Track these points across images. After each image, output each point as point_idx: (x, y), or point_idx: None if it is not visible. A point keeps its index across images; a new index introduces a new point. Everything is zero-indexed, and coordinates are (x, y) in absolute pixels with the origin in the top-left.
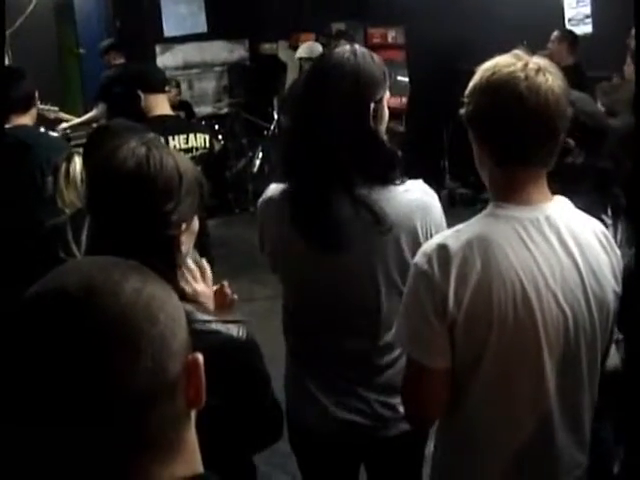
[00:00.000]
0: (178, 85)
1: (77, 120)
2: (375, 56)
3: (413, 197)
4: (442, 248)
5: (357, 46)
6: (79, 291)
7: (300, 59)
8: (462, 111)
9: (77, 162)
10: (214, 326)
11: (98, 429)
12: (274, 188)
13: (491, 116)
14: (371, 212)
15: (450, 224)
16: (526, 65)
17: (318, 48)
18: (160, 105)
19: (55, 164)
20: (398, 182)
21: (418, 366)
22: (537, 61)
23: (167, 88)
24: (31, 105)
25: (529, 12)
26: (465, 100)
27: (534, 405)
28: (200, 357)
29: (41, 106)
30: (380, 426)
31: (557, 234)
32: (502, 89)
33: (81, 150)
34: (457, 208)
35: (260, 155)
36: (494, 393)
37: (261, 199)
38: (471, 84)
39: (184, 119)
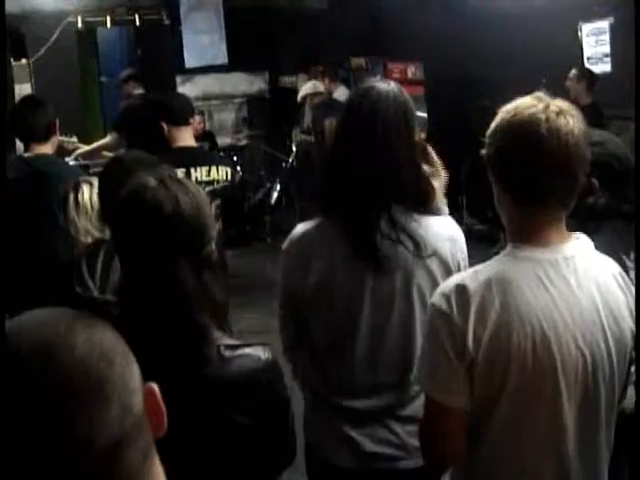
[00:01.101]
0: (202, 114)
1: (88, 147)
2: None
3: (447, 228)
4: (461, 288)
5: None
6: (34, 355)
7: (306, 96)
8: (483, 151)
9: (85, 190)
10: (242, 350)
11: None
12: (305, 227)
13: (511, 157)
14: (411, 238)
15: (469, 260)
16: (547, 107)
17: (319, 84)
18: (183, 137)
19: (63, 195)
20: (433, 213)
21: (436, 405)
22: (558, 104)
23: (191, 119)
24: (52, 134)
25: (548, 50)
26: (486, 141)
27: (551, 448)
28: (154, 385)
29: (60, 137)
30: (405, 456)
31: (576, 275)
32: (523, 131)
33: (91, 179)
34: (474, 244)
35: (278, 187)
36: (510, 434)
37: (293, 238)
38: (492, 125)
39: (207, 151)
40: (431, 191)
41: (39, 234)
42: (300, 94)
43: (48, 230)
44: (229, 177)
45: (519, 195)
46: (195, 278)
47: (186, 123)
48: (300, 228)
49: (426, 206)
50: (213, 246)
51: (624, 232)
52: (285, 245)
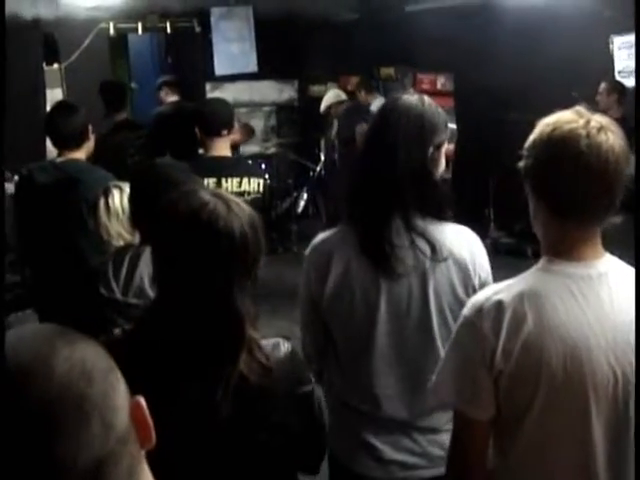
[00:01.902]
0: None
1: None
2: (439, 107)
3: (464, 235)
4: (494, 300)
5: (425, 96)
6: (15, 376)
7: (330, 105)
8: (520, 164)
9: (116, 195)
10: (266, 341)
11: None
12: (325, 234)
13: (549, 172)
14: (427, 241)
15: (495, 273)
16: (588, 123)
17: (341, 93)
18: (216, 146)
19: (93, 201)
20: (449, 221)
21: (462, 416)
22: (599, 119)
23: (224, 131)
24: (84, 140)
25: (579, 63)
26: (524, 153)
27: (579, 465)
28: (140, 398)
29: None
30: (426, 465)
31: (609, 292)
32: (562, 145)
33: (121, 184)
34: (501, 257)
35: (305, 196)
36: (537, 449)
37: (313, 246)
38: (531, 138)
39: (241, 161)
40: (447, 201)
41: (68, 239)
42: (323, 104)
43: (77, 235)
44: (260, 189)
45: (555, 209)
46: (243, 295)
47: (218, 134)
48: (320, 236)
49: (442, 214)
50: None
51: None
52: (307, 253)
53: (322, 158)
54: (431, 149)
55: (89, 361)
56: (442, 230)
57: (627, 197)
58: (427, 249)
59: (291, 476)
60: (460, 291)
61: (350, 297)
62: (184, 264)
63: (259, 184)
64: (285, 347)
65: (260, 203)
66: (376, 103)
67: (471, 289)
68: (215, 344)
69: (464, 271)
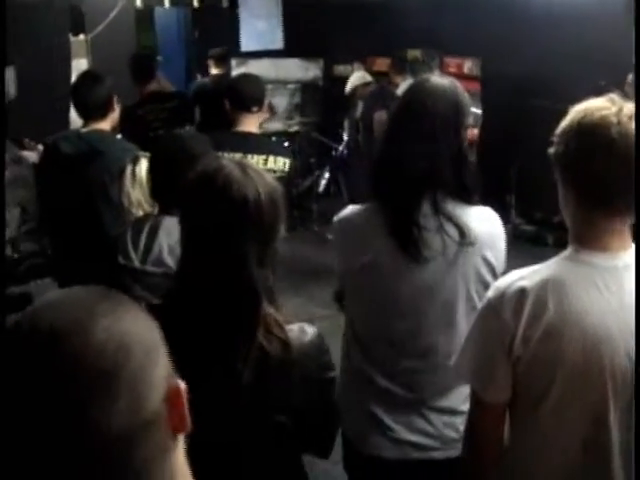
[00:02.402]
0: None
1: None
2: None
3: (488, 217)
4: (517, 287)
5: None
6: (47, 337)
7: (356, 87)
8: (550, 150)
9: (143, 164)
10: (292, 325)
11: (77, 474)
12: (353, 208)
13: (579, 159)
14: (456, 225)
15: (513, 260)
16: (620, 110)
17: (367, 75)
18: (245, 122)
19: (122, 167)
20: (477, 203)
21: (477, 398)
22: (632, 107)
23: (254, 108)
24: (109, 110)
25: (608, 51)
26: (555, 140)
27: (594, 454)
28: (182, 384)
29: None
30: (440, 447)
31: (633, 283)
32: (593, 133)
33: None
34: (521, 244)
35: (327, 175)
36: (552, 437)
37: (342, 217)
38: (562, 124)
39: (268, 139)
40: (477, 182)
41: (89, 209)
42: (349, 85)
43: (98, 205)
44: (286, 168)
45: (583, 198)
46: (260, 269)
47: (247, 110)
48: (350, 209)
49: (470, 197)
50: (278, 240)
51: None
52: (338, 223)
53: (345, 138)
54: (466, 131)
55: (130, 334)
56: (469, 213)
57: None
58: (455, 233)
59: (298, 459)
60: (484, 271)
61: (375, 277)
62: (198, 229)
63: (284, 163)
64: (311, 331)
65: (285, 182)
66: (403, 86)
67: (492, 269)
68: (230, 314)
69: (488, 254)
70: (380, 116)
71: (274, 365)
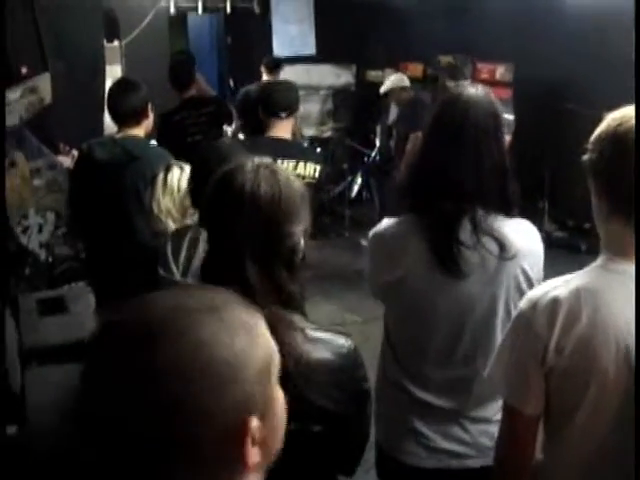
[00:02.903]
0: None
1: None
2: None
3: (527, 230)
4: (550, 297)
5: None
6: (140, 335)
7: (392, 90)
8: (584, 158)
9: (175, 172)
10: (324, 334)
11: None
12: (388, 222)
13: (613, 167)
14: (495, 240)
15: (547, 267)
16: None
17: (405, 78)
18: (275, 127)
19: (154, 174)
20: (515, 216)
21: (509, 408)
22: None
23: (282, 114)
24: (143, 117)
25: None
26: (589, 147)
27: (627, 466)
28: (254, 420)
29: None
30: (475, 454)
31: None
32: (628, 141)
33: (182, 163)
34: (554, 251)
35: (359, 181)
36: (585, 447)
37: (377, 232)
38: (597, 132)
39: (300, 145)
40: (516, 195)
41: (126, 218)
42: (385, 86)
43: (135, 214)
44: (316, 175)
45: (616, 206)
46: (261, 268)
47: (276, 116)
48: (386, 223)
49: (510, 210)
50: (295, 241)
51: None
52: (373, 239)
53: (377, 144)
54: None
55: (220, 348)
56: (509, 226)
57: None
58: (495, 248)
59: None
60: (523, 284)
61: (412, 291)
62: (213, 228)
63: (315, 170)
64: (348, 343)
65: (313, 187)
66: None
67: (529, 283)
68: None
69: (528, 267)
70: (415, 139)
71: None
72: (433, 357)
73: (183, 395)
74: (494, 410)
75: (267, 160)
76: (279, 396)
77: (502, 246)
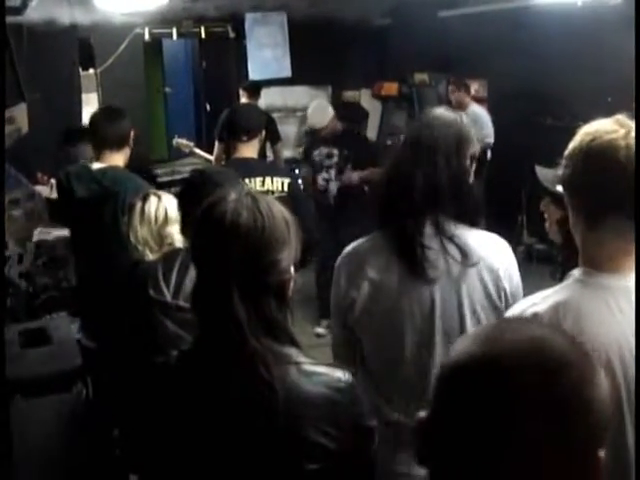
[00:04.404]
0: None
1: (203, 154)
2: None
3: (495, 242)
4: (529, 313)
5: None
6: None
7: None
8: (559, 172)
9: (152, 201)
10: (320, 369)
11: None
12: (356, 243)
13: (586, 182)
14: (458, 247)
15: (526, 280)
16: (628, 133)
17: (329, 110)
18: (239, 150)
19: (131, 203)
20: (481, 227)
21: None
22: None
23: (244, 137)
24: (125, 145)
25: (614, 69)
26: (563, 162)
27: (617, 473)
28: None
29: (178, 140)
30: None
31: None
32: (601, 156)
33: (159, 192)
34: (534, 265)
35: None
36: None
37: (345, 252)
38: (570, 146)
39: (265, 163)
40: (480, 207)
41: (103, 244)
42: (311, 123)
43: (112, 241)
44: (285, 188)
45: (592, 220)
46: (250, 302)
47: (238, 139)
48: (353, 244)
49: (473, 221)
50: (283, 270)
51: None
52: (337, 263)
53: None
54: (468, 160)
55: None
56: (473, 236)
57: None
58: (457, 254)
59: None
60: (493, 293)
61: (383, 302)
62: (198, 260)
63: (283, 183)
64: (345, 377)
65: (285, 201)
66: (473, 108)
67: (503, 293)
68: (218, 350)
69: (495, 276)
70: (349, 179)
71: (264, 405)
72: (410, 372)
73: None
74: None
75: (249, 189)
76: None
77: (464, 253)
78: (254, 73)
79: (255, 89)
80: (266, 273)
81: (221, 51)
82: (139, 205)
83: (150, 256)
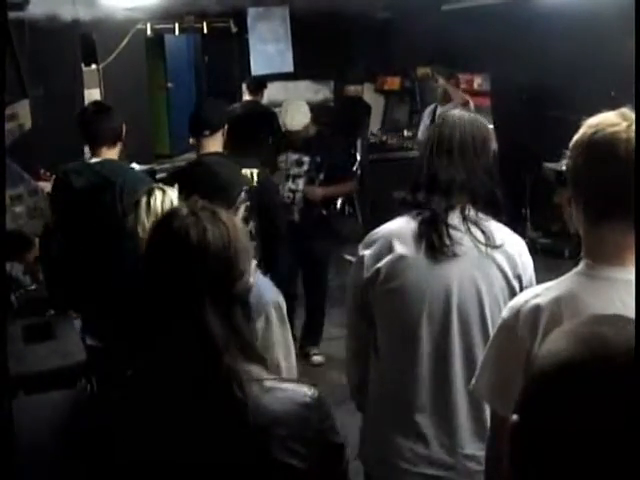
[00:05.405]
0: None
1: None
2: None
3: (514, 236)
4: (531, 304)
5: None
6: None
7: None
8: (563, 164)
9: (158, 195)
10: (285, 385)
11: None
12: (384, 226)
13: (588, 175)
14: (481, 230)
15: None
16: (630, 126)
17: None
18: (203, 145)
19: (136, 199)
20: (500, 219)
21: (498, 418)
22: None
23: (206, 132)
24: (118, 140)
25: (617, 62)
26: (567, 154)
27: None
28: None
29: None
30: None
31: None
32: (602, 148)
33: (163, 186)
34: (538, 258)
35: None
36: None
37: (372, 233)
38: (574, 139)
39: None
40: (500, 201)
41: (102, 238)
42: (289, 124)
43: (112, 235)
44: (255, 177)
45: (594, 212)
46: (222, 316)
47: (200, 135)
48: (379, 228)
49: (498, 213)
50: (247, 279)
51: None
52: (362, 243)
53: (358, 158)
54: (492, 156)
55: None
56: (496, 225)
57: None
58: (482, 237)
59: None
60: (511, 277)
61: (405, 277)
62: (154, 274)
63: (252, 174)
64: (311, 391)
65: (258, 192)
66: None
67: (517, 281)
68: (190, 369)
69: (513, 263)
70: (313, 194)
71: (235, 424)
72: (426, 355)
73: None
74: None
75: (200, 202)
76: None
77: (488, 236)
78: (256, 68)
79: (257, 86)
80: (234, 284)
81: (223, 46)
82: (144, 200)
83: None
